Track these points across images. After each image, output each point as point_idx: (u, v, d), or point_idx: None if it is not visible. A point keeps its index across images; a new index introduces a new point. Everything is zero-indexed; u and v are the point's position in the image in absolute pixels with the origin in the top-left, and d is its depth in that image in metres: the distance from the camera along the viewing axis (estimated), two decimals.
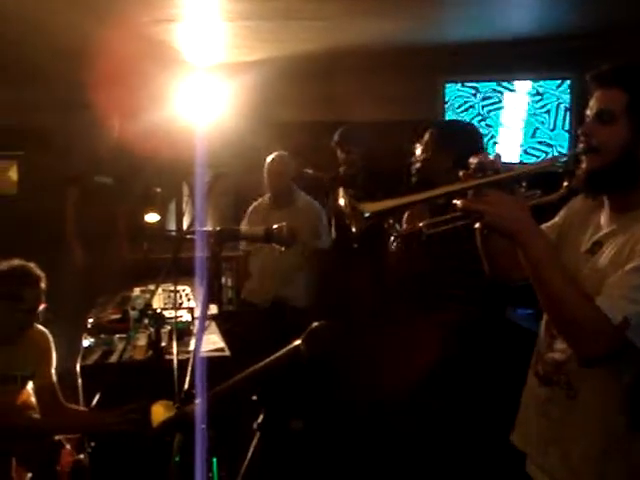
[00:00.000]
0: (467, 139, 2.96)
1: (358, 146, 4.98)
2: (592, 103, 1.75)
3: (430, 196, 1.70)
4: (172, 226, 5.78)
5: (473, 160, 1.71)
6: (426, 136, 2.98)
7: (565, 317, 1.61)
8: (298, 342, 1.48)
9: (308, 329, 1.49)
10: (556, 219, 2.00)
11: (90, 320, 3.97)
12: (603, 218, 1.81)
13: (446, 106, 5.54)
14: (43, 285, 2.84)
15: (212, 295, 4.62)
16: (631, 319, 1.54)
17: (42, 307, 2.86)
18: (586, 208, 1.90)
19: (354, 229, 1.65)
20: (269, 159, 4.60)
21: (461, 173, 1.70)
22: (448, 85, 5.51)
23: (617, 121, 1.68)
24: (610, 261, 1.69)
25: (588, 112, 1.76)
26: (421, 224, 1.72)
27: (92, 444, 2.91)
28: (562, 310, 1.61)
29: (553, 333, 1.85)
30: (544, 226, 1.95)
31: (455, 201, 1.66)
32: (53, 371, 2.97)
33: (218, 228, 2.10)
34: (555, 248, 1.81)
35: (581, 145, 1.73)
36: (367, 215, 1.62)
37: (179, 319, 3.81)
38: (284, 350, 1.48)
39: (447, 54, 5.00)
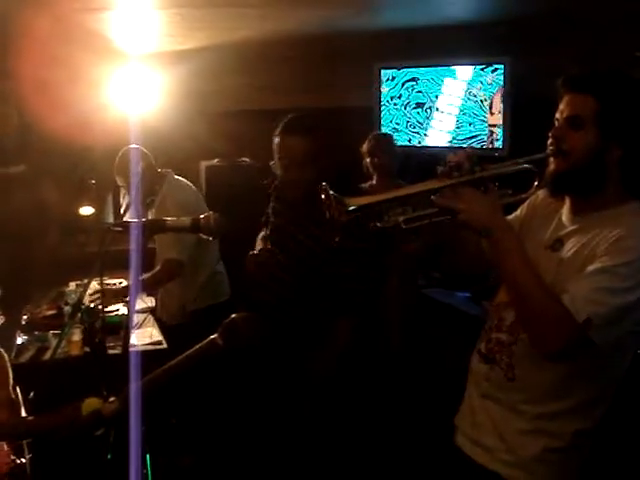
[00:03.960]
0: None
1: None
2: (562, 107, 1.80)
3: (407, 193, 1.78)
4: (110, 219, 5.67)
5: (452, 158, 1.76)
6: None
7: (532, 311, 1.69)
8: (215, 335, 1.46)
9: (224, 322, 1.47)
10: (517, 212, 2.06)
11: (24, 316, 3.88)
12: (565, 216, 1.87)
13: (382, 92, 5.57)
14: None
15: None
16: (593, 319, 1.60)
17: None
18: (548, 204, 1.96)
19: (336, 223, 1.71)
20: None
21: (439, 171, 1.77)
22: (383, 71, 5.53)
23: (586, 127, 1.74)
24: (569, 259, 1.77)
25: (557, 115, 1.81)
26: (400, 219, 1.77)
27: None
28: (529, 304, 1.68)
29: (502, 316, 1.93)
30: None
31: (433, 198, 1.74)
32: (11, 387, 2.88)
33: (144, 220, 2.08)
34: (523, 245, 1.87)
35: (550, 148, 1.79)
36: (352, 209, 1.69)
37: (115, 313, 3.76)
38: (201, 343, 1.47)
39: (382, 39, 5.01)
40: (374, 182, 4.34)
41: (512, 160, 1.84)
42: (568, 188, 1.82)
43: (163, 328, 3.79)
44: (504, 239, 1.71)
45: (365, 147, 4.34)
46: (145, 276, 3.70)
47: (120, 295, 3.72)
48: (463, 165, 1.74)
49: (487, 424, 1.93)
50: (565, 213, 1.88)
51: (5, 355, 2.87)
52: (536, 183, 1.83)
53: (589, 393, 1.82)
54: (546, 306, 1.65)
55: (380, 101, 5.58)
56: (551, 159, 1.80)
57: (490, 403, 1.93)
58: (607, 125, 1.72)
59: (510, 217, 2.02)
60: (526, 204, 2.04)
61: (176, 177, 4.12)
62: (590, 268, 1.66)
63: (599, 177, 1.76)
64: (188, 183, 4.18)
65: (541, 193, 1.99)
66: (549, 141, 1.80)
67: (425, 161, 4.66)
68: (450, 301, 4.66)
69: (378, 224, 1.77)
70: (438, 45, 5.08)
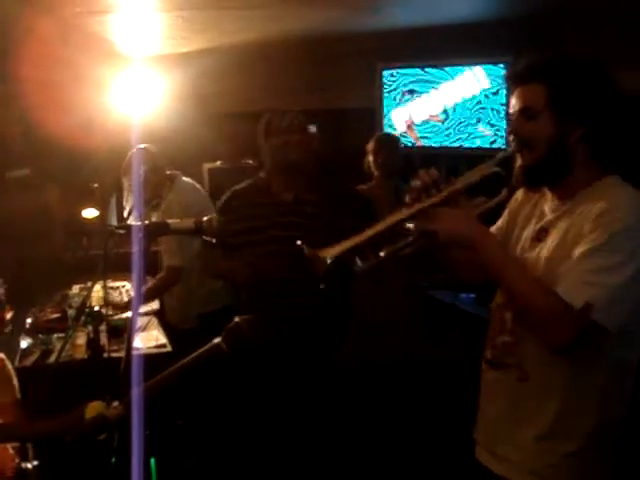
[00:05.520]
0: None
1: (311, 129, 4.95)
2: (513, 101, 1.80)
3: (382, 228, 1.76)
4: (113, 221, 5.68)
5: (415, 183, 1.76)
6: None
7: (528, 309, 1.69)
8: (218, 340, 1.45)
9: (228, 325, 1.46)
10: (498, 224, 2.04)
11: (28, 320, 3.88)
12: (547, 207, 1.85)
13: (384, 92, 5.56)
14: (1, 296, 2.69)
15: None
16: (594, 303, 1.58)
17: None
18: (527, 202, 1.95)
19: (319, 274, 1.74)
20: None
21: (407, 198, 1.77)
22: (386, 71, 5.53)
23: (540, 115, 1.73)
24: (556, 245, 1.74)
25: (511, 111, 1.81)
26: (382, 254, 1.78)
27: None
28: (525, 302, 1.68)
29: (503, 317, 1.89)
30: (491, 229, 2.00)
31: (408, 225, 1.75)
32: (15, 391, 2.87)
33: (146, 222, 2.07)
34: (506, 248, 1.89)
35: (513, 144, 1.79)
36: (330, 261, 1.72)
37: (119, 316, 3.75)
38: (204, 348, 1.45)
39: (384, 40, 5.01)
40: (373, 183, 4.32)
41: (478, 166, 1.82)
42: (541, 179, 1.81)
43: (173, 332, 3.77)
44: (486, 246, 1.72)
45: (370, 146, 4.32)
46: (146, 287, 3.71)
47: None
48: (429, 186, 1.75)
49: (502, 433, 1.88)
50: (547, 204, 1.86)
51: (6, 359, 2.87)
52: (505, 188, 1.84)
53: (605, 389, 1.76)
54: (540, 301, 1.64)
55: (382, 101, 5.57)
56: (517, 155, 1.79)
57: (504, 410, 1.88)
58: (562, 106, 1.72)
59: (492, 229, 2.00)
60: (506, 212, 2.03)
61: (185, 179, 4.07)
62: (579, 250, 1.64)
63: (566, 161, 1.76)
64: (197, 186, 4.14)
65: (519, 195, 1.98)
66: (510, 138, 1.81)
67: (428, 162, 4.66)
68: (455, 302, 4.66)
69: (359, 263, 1.78)
70: (441, 45, 5.07)
